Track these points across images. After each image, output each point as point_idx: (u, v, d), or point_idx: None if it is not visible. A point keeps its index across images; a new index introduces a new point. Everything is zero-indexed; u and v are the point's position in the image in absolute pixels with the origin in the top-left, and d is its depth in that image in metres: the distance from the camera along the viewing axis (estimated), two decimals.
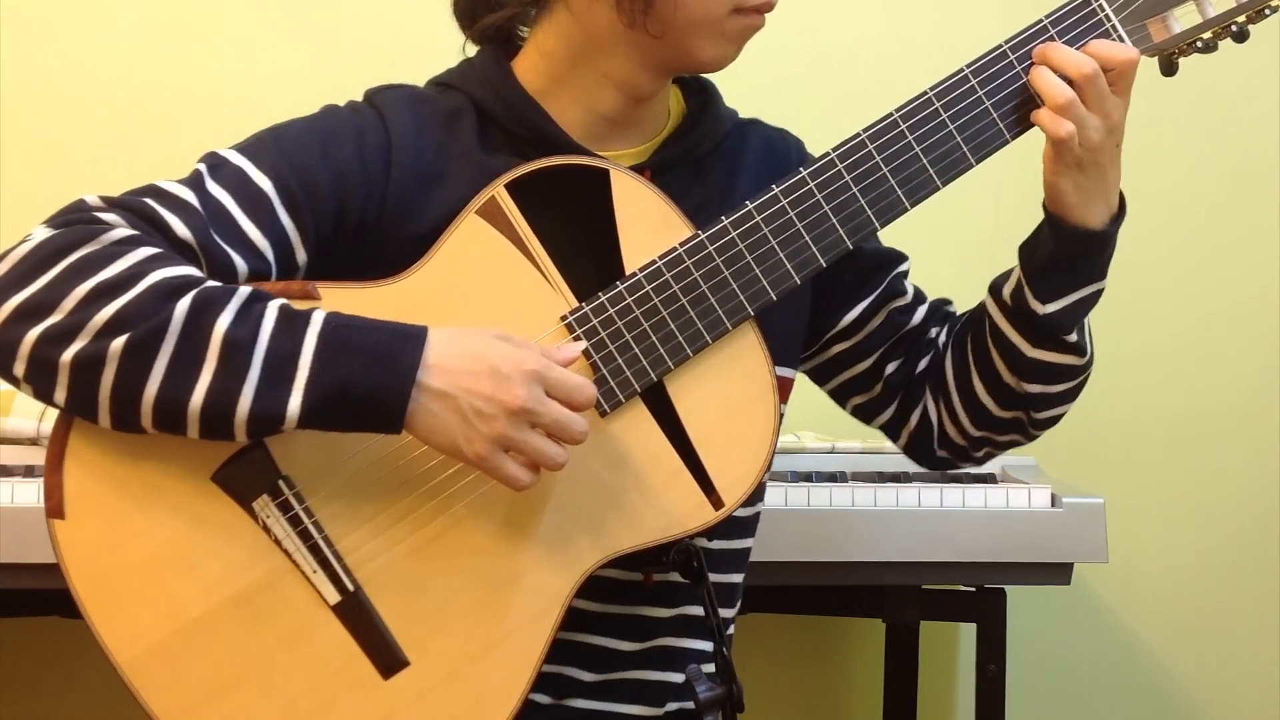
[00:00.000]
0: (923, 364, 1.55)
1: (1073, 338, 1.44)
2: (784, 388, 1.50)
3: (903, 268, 1.58)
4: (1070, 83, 1.34)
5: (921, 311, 1.57)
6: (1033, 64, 1.36)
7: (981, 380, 1.49)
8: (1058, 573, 1.92)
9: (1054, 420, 1.51)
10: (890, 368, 1.56)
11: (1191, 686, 2.50)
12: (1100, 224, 1.39)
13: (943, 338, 1.55)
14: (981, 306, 1.50)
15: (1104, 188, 1.39)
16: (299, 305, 1.27)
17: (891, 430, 1.60)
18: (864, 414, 1.61)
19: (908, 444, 1.59)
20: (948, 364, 1.52)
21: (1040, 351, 1.44)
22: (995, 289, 1.48)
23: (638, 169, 1.40)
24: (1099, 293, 1.44)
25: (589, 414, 1.32)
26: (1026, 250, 1.44)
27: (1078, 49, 1.35)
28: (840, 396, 1.61)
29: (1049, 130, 1.34)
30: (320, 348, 1.23)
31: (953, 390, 1.51)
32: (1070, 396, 1.49)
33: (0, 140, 2.27)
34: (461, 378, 1.24)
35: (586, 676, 1.46)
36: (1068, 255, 1.40)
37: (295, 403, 1.22)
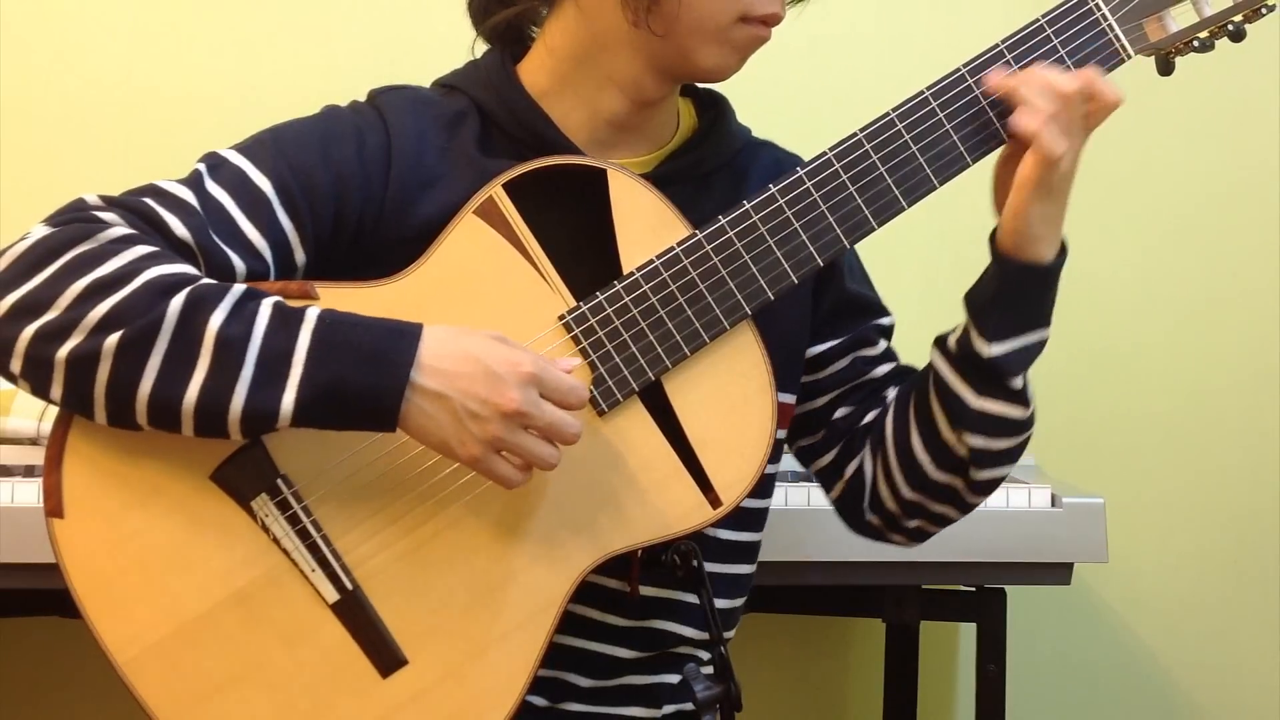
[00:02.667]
0: (869, 417, 1.52)
1: (1018, 384, 1.41)
2: (784, 413, 1.49)
3: (881, 321, 1.56)
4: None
5: (886, 369, 1.55)
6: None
7: (920, 435, 1.45)
8: (1058, 573, 1.92)
9: (992, 486, 1.46)
10: (839, 412, 1.53)
11: (1191, 686, 2.49)
12: (1049, 258, 1.38)
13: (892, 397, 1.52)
14: (927, 365, 1.47)
15: (1060, 220, 1.37)
16: (297, 304, 1.27)
17: (826, 479, 1.56)
18: (805, 456, 1.57)
19: (839, 497, 1.55)
20: (888, 419, 1.49)
21: (984, 401, 1.41)
22: (940, 341, 1.45)
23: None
24: (1043, 343, 1.42)
25: (587, 413, 1.32)
26: (972, 294, 1.42)
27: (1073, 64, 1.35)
28: (788, 433, 1.57)
29: (1047, 145, 1.32)
30: (314, 345, 1.23)
31: (890, 446, 1.48)
32: (1010, 457, 1.45)
33: (0, 140, 2.27)
34: (457, 379, 1.24)
35: (584, 682, 1.46)
36: (1015, 292, 1.39)
37: (289, 400, 1.23)
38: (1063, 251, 1.40)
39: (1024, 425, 1.44)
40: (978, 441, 1.42)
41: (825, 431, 1.55)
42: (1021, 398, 1.42)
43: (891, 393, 1.53)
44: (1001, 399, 1.41)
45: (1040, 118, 1.32)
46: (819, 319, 1.52)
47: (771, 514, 1.70)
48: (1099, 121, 1.35)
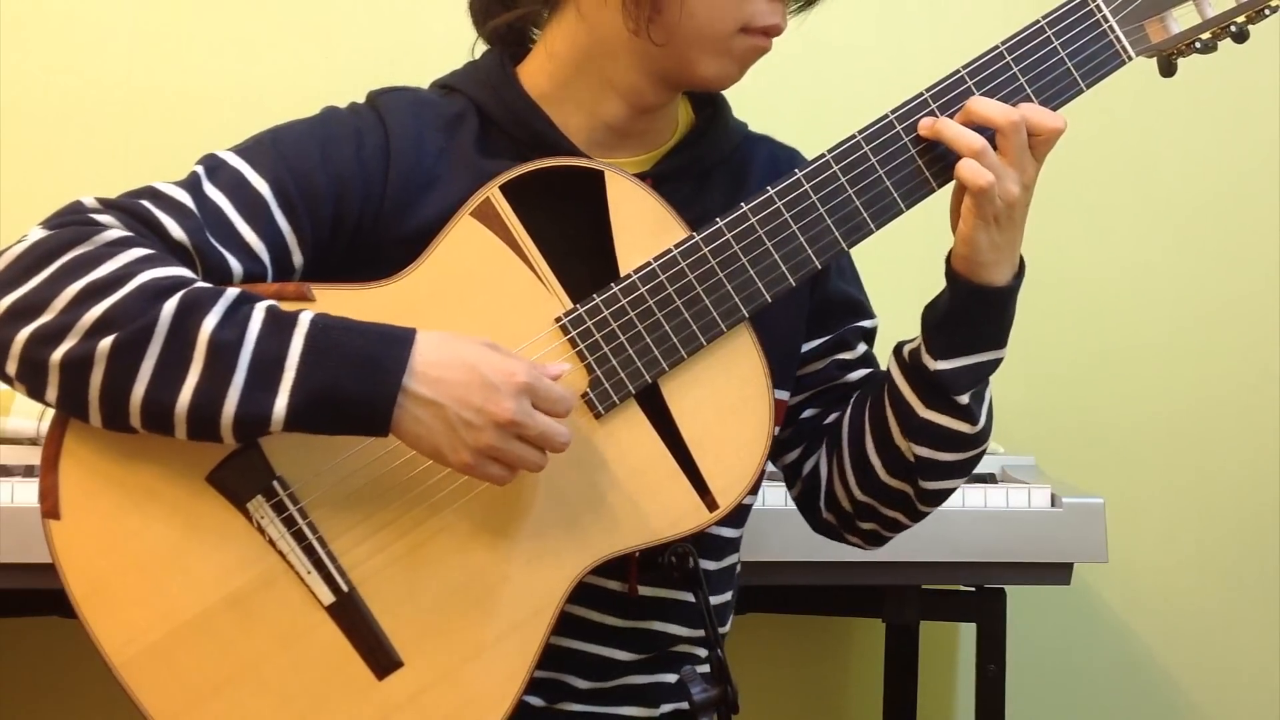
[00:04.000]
0: (830, 418, 1.53)
1: (963, 400, 1.40)
2: (779, 410, 1.49)
3: (863, 323, 1.56)
4: (995, 131, 1.32)
5: (859, 374, 1.55)
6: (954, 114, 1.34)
7: (873, 439, 1.45)
8: (1058, 573, 1.92)
9: (941, 496, 1.47)
10: (806, 412, 1.54)
11: (1191, 686, 2.49)
12: (1003, 281, 1.38)
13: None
14: (886, 370, 1.47)
15: (1013, 245, 1.37)
16: (293, 307, 1.27)
17: (789, 476, 1.57)
18: (771, 451, 1.54)
19: (798, 495, 1.56)
20: (845, 421, 1.49)
21: (931, 413, 1.41)
22: (898, 348, 1.45)
23: (639, 178, 1.39)
24: (996, 362, 1.41)
25: (584, 416, 1.32)
26: (928, 309, 1.42)
27: (1013, 103, 1.34)
28: None
29: (969, 180, 1.32)
30: (307, 350, 1.23)
31: (845, 447, 1.48)
32: (959, 470, 1.45)
33: (0, 140, 2.27)
34: (451, 387, 1.24)
35: (582, 684, 1.46)
36: (964, 312, 1.38)
37: (281, 406, 1.22)
38: (1019, 274, 1.39)
39: (971, 441, 1.43)
40: (924, 452, 1.43)
41: (792, 429, 1.55)
42: (968, 414, 1.41)
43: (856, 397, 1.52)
44: (947, 413, 1.41)
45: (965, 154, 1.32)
46: (807, 319, 1.52)
47: (772, 514, 1.70)
48: (1046, 150, 1.34)
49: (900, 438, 1.43)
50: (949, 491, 1.47)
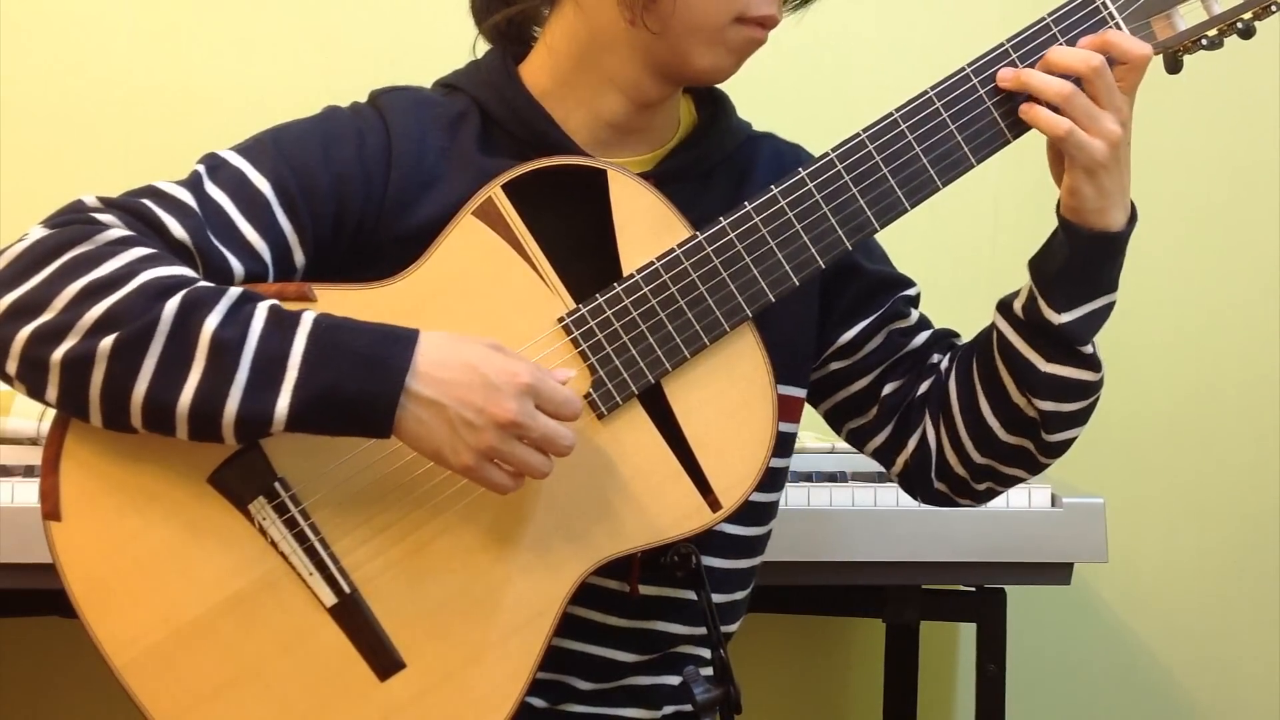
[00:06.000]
0: (923, 387, 1.51)
1: (1088, 349, 1.40)
2: (793, 406, 1.49)
3: (908, 292, 1.55)
4: (1078, 79, 1.31)
5: (924, 336, 1.53)
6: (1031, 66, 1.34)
7: (989, 400, 1.44)
8: (1058, 573, 1.92)
9: (1064, 445, 1.45)
10: (888, 389, 1.52)
11: (1192, 686, 2.49)
12: (1119, 226, 1.36)
13: (945, 363, 1.51)
14: (989, 328, 1.46)
15: (1122, 188, 1.35)
16: (295, 307, 1.27)
17: (885, 457, 1.55)
18: (858, 438, 1.56)
19: (902, 472, 1.54)
20: (951, 385, 1.47)
21: (1055, 366, 1.40)
22: (1005, 305, 1.44)
23: (643, 177, 1.39)
24: (1111, 305, 1.41)
25: (587, 416, 1.32)
26: (1038, 261, 1.40)
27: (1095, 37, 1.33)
28: (835, 419, 1.57)
29: (1047, 128, 1.31)
30: (309, 349, 1.23)
31: (956, 413, 1.47)
32: (1082, 418, 1.44)
33: (0, 140, 2.27)
34: (453, 387, 1.23)
35: (584, 685, 1.46)
36: (1084, 261, 1.37)
37: (283, 405, 1.22)
38: (1133, 216, 1.38)
39: (1095, 387, 1.43)
40: (1048, 406, 1.41)
41: (876, 409, 1.53)
42: (1092, 361, 1.41)
43: (938, 359, 1.51)
44: (1072, 364, 1.40)
45: (1060, 108, 1.31)
46: (845, 307, 1.51)
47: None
48: (1136, 81, 1.33)
49: (1018, 395, 1.42)
50: (1071, 441, 1.46)
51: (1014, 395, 1.43)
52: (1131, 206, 1.38)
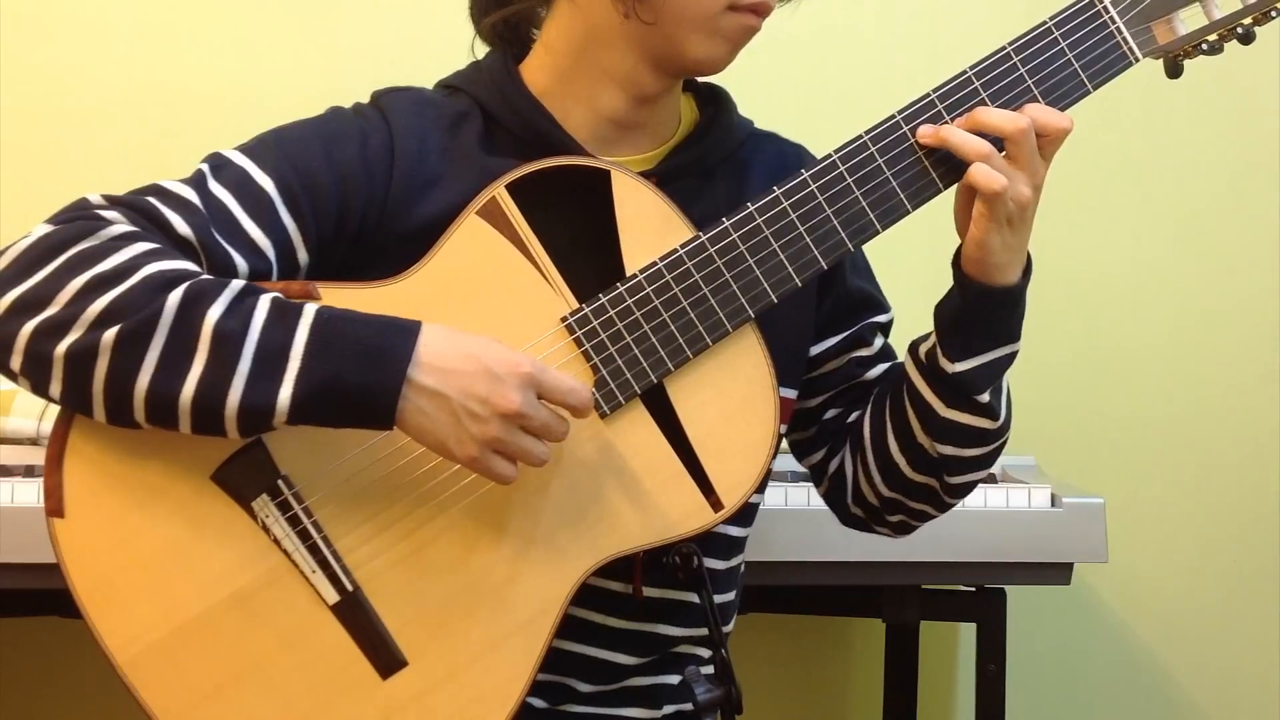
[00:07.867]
0: (853, 416, 1.54)
1: (984, 399, 1.41)
2: (786, 408, 1.49)
3: (879, 318, 1.56)
4: (1004, 139, 1.32)
5: (879, 370, 1.55)
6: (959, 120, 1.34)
7: (896, 438, 1.46)
8: (1058, 573, 1.92)
9: (967, 488, 1.48)
10: (830, 413, 1.55)
11: (1191, 686, 2.50)
12: (1015, 280, 1.38)
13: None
14: (902, 368, 1.47)
15: (1024, 245, 1.37)
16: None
17: (815, 475, 1.58)
18: (797, 451, 1.59)
19: (825, 493, 1.58)
20: (866, 419, 1.50)
21: (953, 412, 1.41)
22: (913, 347, 1.46)
23: (645, 176, 1.39)
24: (1013, 355, 1.42)
25: (590, 416, 1.32)
26: (939, 309, 1.42)
27: (1015, 108, 1.33)
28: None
29: (982, 185, 1.31)
30: (311, 341, 1.23)
31: (868, 446, 1.49)
32: (984, 463, 1.46)
33: (0, 140, 2.27)
34: (456, 378, 1.24)
35: (585, 687, 1.46)
36: (979, 313, 1.38)
37: (285, 396, 1.22)
38: (1027, 270, 1.39)
39: (994, 435, 1.44)
40: (948, 450, 1.43)
41: (815, 429, 1.56)
42: (989, 410, 1.42)
43: (879, 392, 1.52)
44: (969, 412, 1.41)
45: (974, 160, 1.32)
46: (821, 315, 1.52)
47: (772, 514, 1.70)
48: (1054, 150, 1.34)
49: (923, 436, 1.44)
50: (975, 484, 1.48)
51: (919, 436, 1.44)
52: (1028, 261, 1.39)
